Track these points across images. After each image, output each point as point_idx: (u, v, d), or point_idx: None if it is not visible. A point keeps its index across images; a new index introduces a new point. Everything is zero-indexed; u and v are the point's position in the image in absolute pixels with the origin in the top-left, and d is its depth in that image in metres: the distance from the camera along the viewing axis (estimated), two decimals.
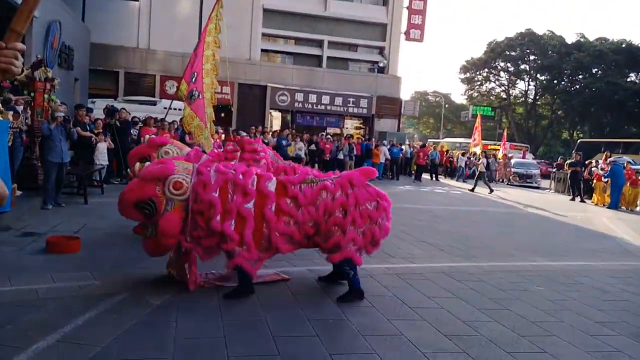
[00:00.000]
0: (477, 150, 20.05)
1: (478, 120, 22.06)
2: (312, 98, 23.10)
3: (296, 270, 4.91)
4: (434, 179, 20.30)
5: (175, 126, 12.10)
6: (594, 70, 40.63)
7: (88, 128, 9.74)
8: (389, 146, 19.35)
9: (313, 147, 17.35)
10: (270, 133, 16.58)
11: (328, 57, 24.05)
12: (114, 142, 10.41)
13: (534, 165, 23.46)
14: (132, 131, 11.48)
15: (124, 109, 12.09)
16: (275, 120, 23.99)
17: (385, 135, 22.78)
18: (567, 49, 41.23)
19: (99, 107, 14.01)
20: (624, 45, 39.86)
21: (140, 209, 3.86)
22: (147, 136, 5.79)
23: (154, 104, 17.16)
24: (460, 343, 3.45)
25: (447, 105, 49.94)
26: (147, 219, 3.91)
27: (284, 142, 15.50)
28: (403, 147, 21.45)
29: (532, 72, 44.48)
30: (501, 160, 23.12)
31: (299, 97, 22.93)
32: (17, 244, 5.28)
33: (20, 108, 8.14)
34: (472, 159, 21.55)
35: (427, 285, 4.85)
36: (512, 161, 23.24)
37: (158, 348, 3.07)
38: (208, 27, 7.40)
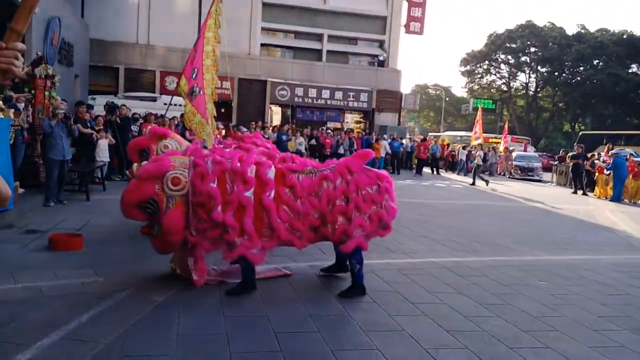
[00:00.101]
0: (478, 143, 20.04)
1: (479, 113, 21.98)
2: (312, 92, 23.03)
3: (297, 266, 4.92)
4: (435, 172, 20.29)
5: (176, 122, 12.10)
6: (595, 62, 40.45)
7: (89, 125, 9.73)
8: (389, 140, 19.33)
9: (313, 141, 17.33)
10: (271, 128, 16.57)
11: (328, 51, 23.96)
12: (115, 138, 10.42)
13: (535, 158, 23.40)
14: (132, 128, 11.48)
15: (124, 105, 12.08)
16: (275, 115, 23.95)
17: (386, 129, 22.75)
18: (567, 40, 41.05)
19: (99, 104, 14.01)
20: (625, 37, 39.65)
21: (142, 209, 3.86)
22: (148, 127, 5.78)
23: (154, 100, 17.14)
24: (462, 338, 3.46)
25: (447, 99, 49.76)
26: (151, 218, 3.92)
27: (284, 137, 15.49)
28: (404, 141, 21.43)
29: (532, 64, 44.32)
30: (502, 153, 23.08)
31: (299, 91, 22.87)
32: (20, 241, 5.30)
33: (21, 105, 8.12)
34: (472, 152, 21.53)
35: (429, 280, 4.85)
36: (514, 154, 23.18)
37: (161, 345, 3.08)
38: (207, 22, 7.35)
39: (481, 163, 17.44)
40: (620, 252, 7.06)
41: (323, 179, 4.07)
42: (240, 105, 21.75)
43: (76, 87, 16.02)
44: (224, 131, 13.36)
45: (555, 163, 20.84)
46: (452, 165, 23.05)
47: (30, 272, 4.26)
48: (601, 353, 3.39)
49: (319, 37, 23.94)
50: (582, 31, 42.29)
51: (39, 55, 9.01)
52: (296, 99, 22.96)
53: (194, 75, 7.03)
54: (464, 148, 22.37)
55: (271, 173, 4.02)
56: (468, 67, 47.89)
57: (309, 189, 4.03)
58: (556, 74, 42.82)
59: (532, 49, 43.55)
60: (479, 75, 48.96)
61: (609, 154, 15.81)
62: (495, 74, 48.01)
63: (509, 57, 45.39)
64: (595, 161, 16.04)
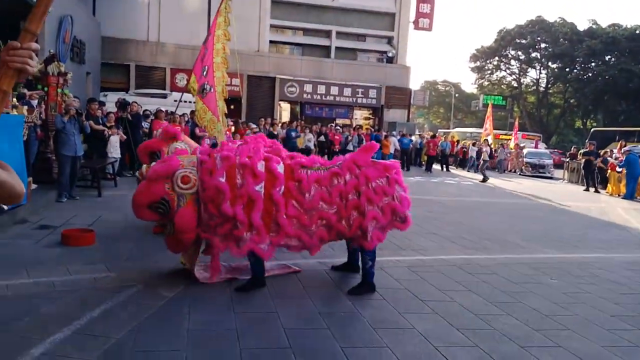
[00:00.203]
0: (489, 139, 19.89)
1: (489, 109, 21.77)
2: (321, 89, 23.01)
3: (307, 263, 4.92)
4: (444, 169, 20.18)
5: (186, 119, 12.17)
6: (607, 58, 39.78)
7: (100, 121, 9.82)
8: (398, 137, 19.25)
9: (322, 138, 17.32)
10: (280, 124, 16.58)
11: (336, 48, 23.90)
12: (126, 134, 10.52)
13: (546, 155, 23.18)
14: (143, 124, 11.57)
15: (136, 102, 12.17)
16: (284, 111, 23.98)
17: (395, 125, 22.66)
18: (578, 36, 40.43)
19: (111, 101, 14.14)
20: (638, 32, 38.95)
21: (154, 209, 3.89)
22: (159, 130, 5.81)
23: (164, 96, 17.24)
24: (472, 337, 3.44)
25: (457, 95, 49.41)
26: (164, 217, 3.95)
27: (293, 134, 15.49)
28: (413, 137, 21.32)
29: (543, 60, 43.74)
30: (513, 150, 22.88)
31: (308, 88, 22.86)
32: (34, 236, 5.37)
33: (34, 102, 8.23)
34: (482, 148, 21.38)
35: (439, 278, 4.84)
36: (525, 151, 22.97)
37: (172, 340, 3.11)
38: (217, 20, 7.37)
39: (487, 159, 17.30)
40: (633, 250, 6.97)
41: (333, 176, 4.08)
42: (250, 102, 21.81)
43: (88, 84, 16.17)
44: (233, 128, 13.41)
45: (567, 160, 20.60)
46: (463, 162, 22.92)
47: (43, 267, 4.31)
48: (613, 352, 3.35)
49: (327, 34, 23.89)
50: (594, 26, 41.63)
51: (52, 53, 9.11)
52: (305, 95, 22.95)
53: (204, 73, 7.06)
54: (473, 144, 22.22)
55: (280, 168, 4.03)
56: (478, 63, 47.42)
57: (318, 184, 4.03)
58: (567, 69, 42.22)
59: (543, 45, 42.95)
60: (489, 72, 48.44)
61: (622, 151, 15.59)
62: (505, 70, 47.49)
63: (519, 53, 44.85)
64: (608, 158, 15.84)
